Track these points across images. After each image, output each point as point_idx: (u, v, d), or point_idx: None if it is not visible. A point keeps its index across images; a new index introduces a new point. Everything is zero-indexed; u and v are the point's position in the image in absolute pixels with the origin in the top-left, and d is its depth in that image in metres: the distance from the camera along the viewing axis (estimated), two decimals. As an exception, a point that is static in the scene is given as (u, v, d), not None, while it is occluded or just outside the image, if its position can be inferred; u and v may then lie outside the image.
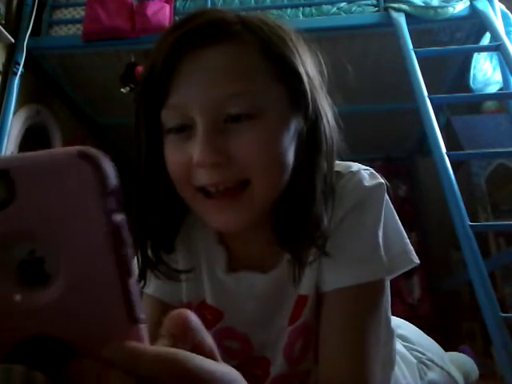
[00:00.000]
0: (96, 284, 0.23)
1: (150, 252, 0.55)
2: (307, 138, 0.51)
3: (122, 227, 0.23)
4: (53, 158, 0.22)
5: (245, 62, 0.49)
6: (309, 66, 0.53)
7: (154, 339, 0.24)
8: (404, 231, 0.57)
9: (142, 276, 0.56)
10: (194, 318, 0.25)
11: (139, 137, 0.51)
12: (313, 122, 0.51)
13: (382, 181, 0.55)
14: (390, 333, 0.63)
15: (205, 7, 2.02)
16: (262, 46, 0.50)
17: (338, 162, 0.56)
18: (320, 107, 0.52)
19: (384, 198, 0.55)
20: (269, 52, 0.50)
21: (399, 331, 0.79)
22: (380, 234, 0.53)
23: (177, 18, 2.15)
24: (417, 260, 0.55)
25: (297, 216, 0.51)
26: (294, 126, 0.51)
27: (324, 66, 0.57)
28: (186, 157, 0.48)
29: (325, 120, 0.52)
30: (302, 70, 0.51)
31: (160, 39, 0.50)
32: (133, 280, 0.23)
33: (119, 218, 0.23)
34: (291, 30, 0.54)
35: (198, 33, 0.48)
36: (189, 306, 0.60)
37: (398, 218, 0.57)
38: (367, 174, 0.55)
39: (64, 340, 0.23)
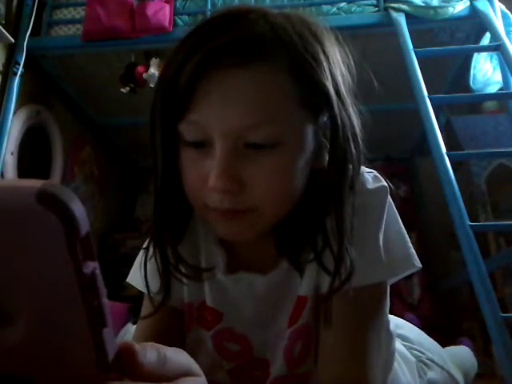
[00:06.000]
0: (63, 332, 0.21)
1: (169, 251, 0.54)
2: (329, 164, 0.49)
3: (94, 276, 0.20)
4: (8, 199, 0.18)
5: (273, 90, 0.46)
6: (339, 74, 0.50)
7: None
8: (407, 235, 0.56)
9: (165, 286, 0.55)
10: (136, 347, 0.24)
11: (154, 146, 0.50)
12: (337, 148, 0.48)
13: (385, 184, 0.55)
14: (390, 336, 0.63)
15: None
16: (293, 69, 0.46)
17: None
18: (347, 130, 0.49)
19: (386, 201, 0.55)
20: (299, 76, 0.46)
21: (399, 331, 0.79)
22: (381, 237, 0.53)
23: (177, 18, 2.15)
24: (419, 264, 0.55)
25: (300, 233, 0.52)
26: (314, 147, 0.50)
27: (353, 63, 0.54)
28: (202, 174, 0.47)
29: (352, 145, 0.49)
30: (331, 91, 0.47)
31: (183, 46, 0.46)
32: (107, 329, 0.22)
33: (91, 266, 0.20)
34: (324, 32, 0.51)
35: (228, 50, 0.44)
36: (189, 307, 0.60)
37: (400, 221, 0.57)
38: (370, 177, 0.55)
39: (27, 377, 0.22)
